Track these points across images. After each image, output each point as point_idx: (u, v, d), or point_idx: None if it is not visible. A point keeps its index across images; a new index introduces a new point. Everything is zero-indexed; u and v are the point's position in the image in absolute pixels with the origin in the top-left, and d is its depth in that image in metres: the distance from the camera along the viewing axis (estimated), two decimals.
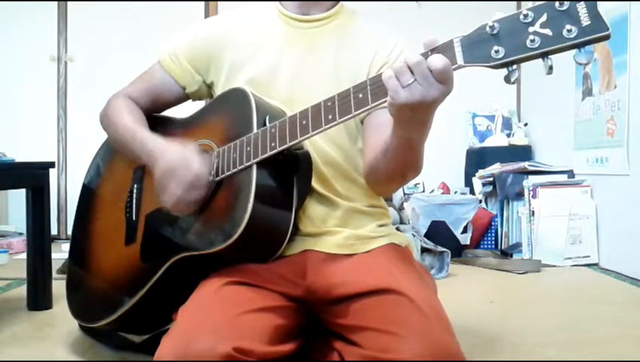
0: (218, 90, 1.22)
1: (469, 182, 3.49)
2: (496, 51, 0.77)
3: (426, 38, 0.83)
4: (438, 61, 0.78)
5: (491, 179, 3.18)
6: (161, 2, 3.66)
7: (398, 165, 1.00)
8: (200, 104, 1.30)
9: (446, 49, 0.81)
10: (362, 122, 1.16)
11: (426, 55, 0.82)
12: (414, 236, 2.53)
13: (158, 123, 1.27)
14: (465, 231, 2.99)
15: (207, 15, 3.71)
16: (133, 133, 1.17)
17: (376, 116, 1.10)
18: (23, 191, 1.85)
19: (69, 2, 3.70)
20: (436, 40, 0.82)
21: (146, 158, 1.12)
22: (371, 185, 1.13)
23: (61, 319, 1.71)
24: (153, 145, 1.11)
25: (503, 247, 3.08)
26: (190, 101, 1.30)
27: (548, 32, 0.74)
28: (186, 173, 1.02)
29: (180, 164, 1.03)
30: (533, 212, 2.88)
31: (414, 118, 0.86)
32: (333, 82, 1.12)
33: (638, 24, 2.48)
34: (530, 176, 2.97)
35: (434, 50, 0.82)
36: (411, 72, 0.80)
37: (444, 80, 0.80)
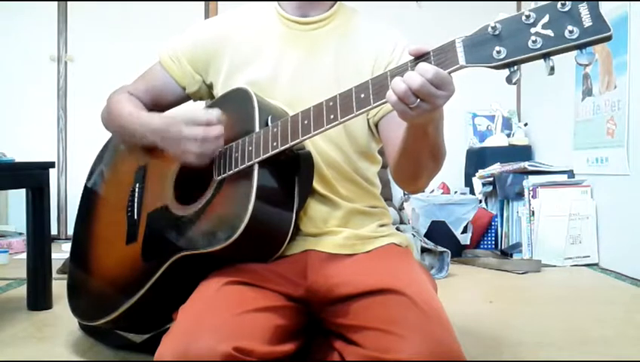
0: (217, 91, 1.22)
1: (469, 182, 3.49)
2: (498, 52, 0.77)
3: (410, 47, 0.84)
4: (428, 71, 0.79)
5: (491, 179, 3.18)
6: (161, 2, 3.66)
7: (419, 156, 1.00)
8: (202, 104, 1.30)
9: (448, 49, 0.81)
10: (377, 125, 1.17)
11: (414, 64, 0.83)
12: (414, 236, 2.53)
13: None
14: (465, 231, 3.00)
15: (207, 15, 3.71)
16: (135, 116, 1.19)
17: (394, 115, 1.10)
18: (23, 191, 1.85)
19: (69, 2, 3.70)
20: (421, 49, 0.83)
21: (151, 135, 1.13)
22: (401, 182, 1.13)
23: (61, 319, 1.71)
24: (159, 119, 1.14)
25: (503, 247, 3.08)
26: (191, 101, 1.30)
27: (550, 32, 0.74)
28: (195, 129, 1.04)
29: (191, 118, 1.05)
30: (533, 212, 2.88)
31: (425, 118, 0.88)
32: (334, 83, 1.12)
33: (638, 24, 2.48)
34: (530, 176, 2.97)
35: (437, 50, 0.82)
36: (415, 96, 0.81)
37: (444, 87, 0.81)
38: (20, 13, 3.66)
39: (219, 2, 3.73)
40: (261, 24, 1.21)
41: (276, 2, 1.21)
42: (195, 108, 1.11)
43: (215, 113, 1.05)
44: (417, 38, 0.87)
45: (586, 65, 0.74)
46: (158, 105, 1.28)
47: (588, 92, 2.88)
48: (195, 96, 1.27)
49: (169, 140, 1.09)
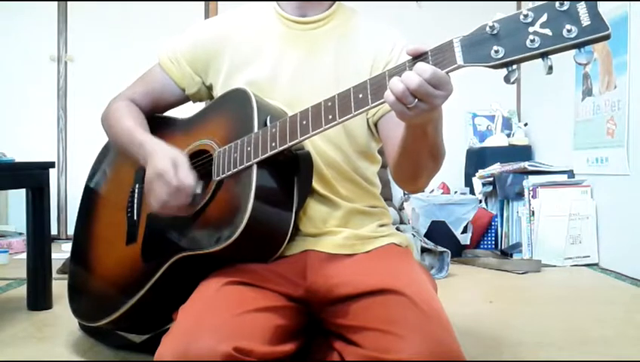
0: (217, 92, 1.22)
1: (469, 182, 3.49)
2: (496, 51, 0.77)
3: (408, 47, 0.84)
4: (425, 71, 0.79)
5: (491, 179, 3.18)
6: (161, 2, 3.66)
7: (418, 156, 1.00)
8: (202, 104, 1.30)
9: (446, 49, 0.81)
10: (376, 125, 1.17)
11: (411, 64, 0.83)
12: (414, 236, 2.53)
13: (160, 123, 1.28)
14: (465, 231, 3.00)
15: (207, 15, 3.71)
16: (132, 135, 1.17)
17: (393, 115, 1.10)
18: (23, 191, 1.85)
19: (69, 2, 3.70)
20: (419, 49, 0.83)
21: (143, 160, 1.13)
22: (400, 181, 1.13)
23: (61, 319, 1.71)
24: (149, 147, 1.11)
25: (503, 247, 3.08)
26: (191, 102, 1.30)
27: (548, 32, 0.74)
28: (170, 180, 1.02)
29: (168, 169, 1.03)
30: (533, 212, 2.88)
31: (423, 118, 0.88)
32: (334, 83, 1.12)
33: (638, 24, 2.48)
34: (530, 176, 2.97)
35: (435, 50, 0.82)
36: (413, 96, 0.81)
37: (442, 87, 0.81)
38: (20, 13, 3.66)
39: (219, 2, 3.73)
40: (261, 24, 1.21)
41: (275, 2, 1.21)
42: (174, 158, 1.06)
43: (188, 183, 1.03)
44: (417, 39, 0.87)
45: (585, 64, 0.74)
46: (157, 106, 1.29)
47: (588, 92, 2.88)
48: (195, 98, 1.27)
49: (152, 181, 1.07)
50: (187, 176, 1.04)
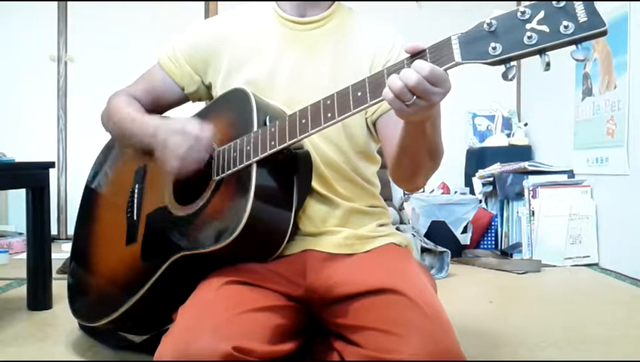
0: (216, 91, 1.22)
1: (469, 182, 3.49)
2: (494, 48, 0.77)
3: (406, 45, 0.85)
4: (424, 69, 0.80)
5: (491, 179, 3.18)
6: (161, 2, 3.66)
7: (417, 155, 1.00)
8: (201, 104, 1.30)
9: (443, 46, 0.82)
10: (375, 124, 1.17)
11: (410, 61, 0.83)
12: (414, 236, 2.53)
13: None
14: (465, 231, 2.99)
15: (207, 15, 3.71)
16: (133, 118, 1.18)
17: (391, 114, 1.10)
18: (23, 191, 1.85)
19: (69, 2, 3.70)
20: (417, 47, 0.84)
21: (147, 139, 1.13)
22: (399, 180, 1.13)
23: (61, 319, 1.71)
24: (153, 123, 1.13)
25: (503, 247, 3.08)
26: (190, 102, 1.30)
27: (545, 28, 0.74)
28: (189, 130, 1.05)
29: (185, 124, 1.07)
30: (533, 212, 2.88)
31: (422, 116, 0.88)
32: (332, 83, 1.11)
33: (638, 24, 2.48)
34: (530, 176, 2.97)
35: (433, 47, 0.83)
36: (412, 93, 0.81)
37: (440, 84, 0.81)
38: (20, 13, 3.66)
39: (219, 2, 3.73)
40: (259, 24, 1.21)
41: (275, 2, 1.21)
42: (187, 118, 1.11)
43: (206, 131, 1.06)
44: (417, 39, 0.87)
45: (582, 60, 0.74)
46: (158, 106, 1.29)
47: (588, 92, 2.88)
48: (194, 97, 1.27)
49: (156, 145, 1.09)
50: (201, 130, 1.06)
